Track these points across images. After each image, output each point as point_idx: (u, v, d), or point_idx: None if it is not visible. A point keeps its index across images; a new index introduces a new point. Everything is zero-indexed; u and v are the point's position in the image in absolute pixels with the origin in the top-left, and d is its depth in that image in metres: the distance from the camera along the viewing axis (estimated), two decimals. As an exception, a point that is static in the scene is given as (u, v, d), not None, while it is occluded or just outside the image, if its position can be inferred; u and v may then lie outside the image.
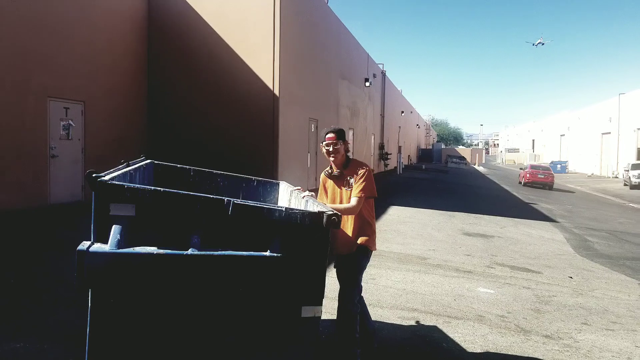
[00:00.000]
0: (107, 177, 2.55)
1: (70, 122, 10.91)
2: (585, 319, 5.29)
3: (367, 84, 25.08)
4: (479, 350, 4.20)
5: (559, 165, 46.50)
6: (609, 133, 41.94)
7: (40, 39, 10.06)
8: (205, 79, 13.48)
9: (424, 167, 42.18)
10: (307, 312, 2.68)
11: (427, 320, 4.88)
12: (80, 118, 11.17)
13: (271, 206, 2.66)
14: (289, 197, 3.87)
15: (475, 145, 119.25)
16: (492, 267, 7.42)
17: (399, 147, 39.03)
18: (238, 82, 13.19)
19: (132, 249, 2.37)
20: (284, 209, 2.63)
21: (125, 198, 2.48)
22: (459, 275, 6.81)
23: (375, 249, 3.74)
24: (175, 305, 2.49)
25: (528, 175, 28.17)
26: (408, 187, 22.15)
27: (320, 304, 2.72)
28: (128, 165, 3.29)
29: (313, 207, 3.03)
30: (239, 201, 2.60)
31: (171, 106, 13.80)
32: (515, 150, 76.36)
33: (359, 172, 3.60)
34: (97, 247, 2.35)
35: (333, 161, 3.70)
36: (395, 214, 12.60)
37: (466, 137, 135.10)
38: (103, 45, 11.91)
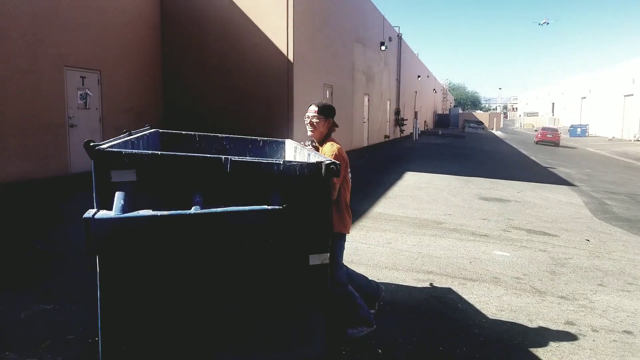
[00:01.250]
0: (105, 146, 2.58)
1: (87, 91, 11.00)
2: (601, 280, 5.30)
3: (383, 47, 24.65)
4: (494, 311, 4.27)
5: (579, 129, 45.56)
6: (632, 95, 40.77)
7: (54, 7, 10.05)
8: (219, 46, 13.40)
9: (440, 132, 41.72)
10: (315, 259, 2.73)
11: (443, 283, 4.94)
12: (96, 87, 11.26)
13: (269, 160, 2.68)
14: (294, 153, 3.88)
15: (493, 109, 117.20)
16: (508, 231, 7.42)
17: (415, 113, 38.58)
18: (252, 49, 13.08)
19: (136, 212, 2.39)
20: (281, 162, 2.65)
21: (124, 164, 2.50)
22: (474, 239, 6.84)
23: (347, 232, 3.62)
24: (182, 264, 2.54)
25: (539, 135, 35.50)
26: (424, 152, 22.01)
27: (327, 251, 2.76)
28: (130, 135, 3.30)
29: (313, 159, 3.05)
30: (236, 158, 2.61)
31: (185, 75, 13.79)
32: (535, 114, 74.86)
33: (327, 153, 3.49)
34: (103, 213, 2.37)
35: (310, 135, 3.70)
36: (411, 179, 12.58)
37: (484, 102, 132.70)
38: (116, 12, 11.86)
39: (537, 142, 34.79)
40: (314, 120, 3.65)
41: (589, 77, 55.14)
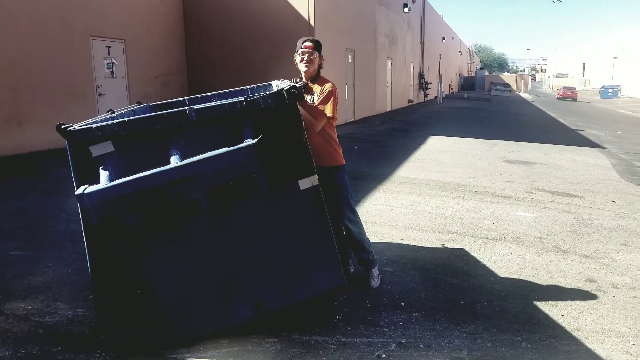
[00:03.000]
0: (76, 126, 2.63)
1: (114, 60, 11.19)
2: (625, 240, 5.32)
3: (406, 9, 24.08)
4: (515, 268, 4.37)
5: (610, 90, 44.10)
6: (668, 53, 39.09)
7: (78, -23, 10.15)
8: (242, 13, 13.36)
9: (465, 95, 40.96)
10: (304, 184, 2.80)
11: (465, 242, 5.04)
12: (122, 56, 11.43)
13: (230, 101, 2.71)
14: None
15: (520, 71, 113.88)
16: (532, 193, 7.43)
17: (440, 76, 37.86)
18: (273, 14, 13.00)
19: (123, 179, 2.42)
20: (243, 99, 2.67)
21: (98, 137, 2.55)
22: (498, 200, 6.88)
23: (344, 162, 3.67)
24: (175, 216, 2.64)
25: (561, 93, 44.75)
26: (448, 116, 21.75)
27: (314, 172, 2.82)
28: (112, 113, 3.33)
29: (277, 88, 3.00)
30: (199, 106, 2.65)
31: (208, 42, 13.84)
32: (564, 76, 72.39)
33: (324, 89, 3.46)
34: (93, 187, 2.40)
35: (305, 72, 3.62)
36: (435, 143, 12.54)
37: (511, 63, 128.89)
38: (138, -20, 11.89)
39: (558, 98, 43.96)
40: (312, 56, 3.60)
41: (622, 36, 52.86)
